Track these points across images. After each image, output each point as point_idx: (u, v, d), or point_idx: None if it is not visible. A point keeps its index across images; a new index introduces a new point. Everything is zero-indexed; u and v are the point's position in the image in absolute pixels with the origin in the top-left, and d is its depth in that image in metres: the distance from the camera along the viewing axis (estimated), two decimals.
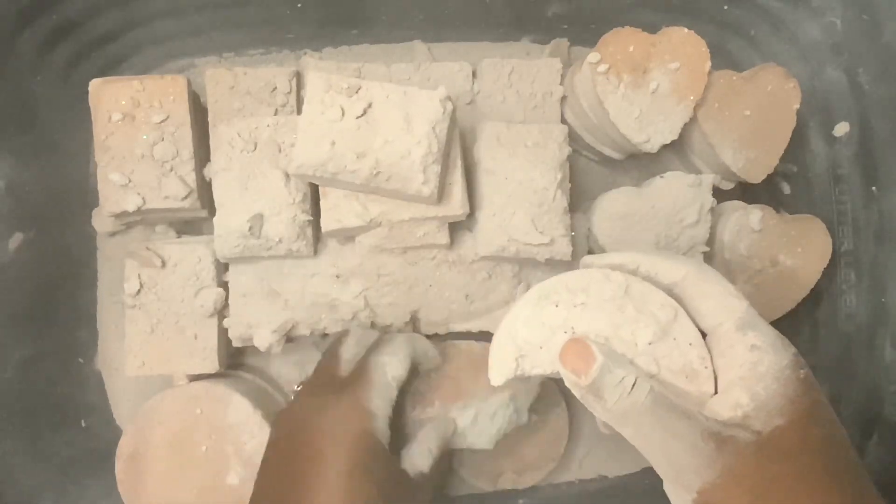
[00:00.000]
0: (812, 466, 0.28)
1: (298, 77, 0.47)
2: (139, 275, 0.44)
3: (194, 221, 0.49)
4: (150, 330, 0.44)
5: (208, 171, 0.45)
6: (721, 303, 0.31)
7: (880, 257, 0.46)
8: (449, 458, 0.47)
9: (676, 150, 0.49)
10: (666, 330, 0.31)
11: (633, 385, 0.28)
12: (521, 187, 0.43)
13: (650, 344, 0.31)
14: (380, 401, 0.37)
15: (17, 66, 0.43)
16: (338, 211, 0.41)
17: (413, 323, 0.46)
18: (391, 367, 0.39)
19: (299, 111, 0.45)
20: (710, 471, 0.27)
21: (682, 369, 0.31)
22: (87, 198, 0.48)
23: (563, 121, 0.49)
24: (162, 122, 0.43)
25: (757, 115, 0.47)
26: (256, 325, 0.44)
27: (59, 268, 0.47)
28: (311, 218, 0.43)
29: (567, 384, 0.30)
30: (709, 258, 0.48)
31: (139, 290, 0.44)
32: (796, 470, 0.28)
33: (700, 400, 0.30)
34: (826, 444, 0.29)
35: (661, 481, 0.30)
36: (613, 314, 0.31)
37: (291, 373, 0.50)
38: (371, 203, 0.41)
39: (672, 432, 0.28)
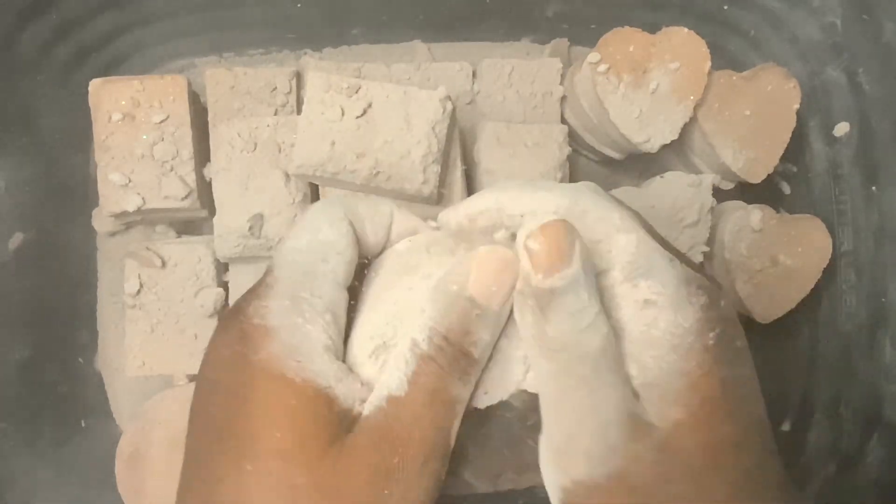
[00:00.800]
0: (717, 489, 0.21)
1: (298, 77, 0.47)
2: (139, 275, 0.44)
3: (194, 221, 0.49)
4: (151, 330, 0.44)
5: (208, 171, 0.45)
6: (607, 242, 0.24)
7: (880, 257, 0.46)
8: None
9: (676, 151, 0.49)
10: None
11: (590, 322, 0.22)
12: None
13: None
14: (287, 310, 0.23)
15: (17, 66, 0.43)
16: None
17: None
18: (301, 238, 0.25)
19: (299, 111, 0.45)
20: (601, 467, 0.21)
21: None
22: (87, 198, 0.48)
23: (563, 121, 0.49)
24: (162, 122, 0.43)
25: (757, 115, 0.47)
26: None
27: (59, 268, 0.47)
28: None
29: (511, 273, 0.23)
30: (709, 258, 0.48)
31: (139, 290, 0.44)
32: (698, 493, 0.21)
33: None
34: (737, 452, 0.22)
35: None
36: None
37: None
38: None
39: (594, 401, 0.21)
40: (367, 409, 0.22)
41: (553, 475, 0.23)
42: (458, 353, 0.22)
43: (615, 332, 0.23)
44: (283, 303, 0.23)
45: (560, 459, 0.22)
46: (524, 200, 0.25)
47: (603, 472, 0.21)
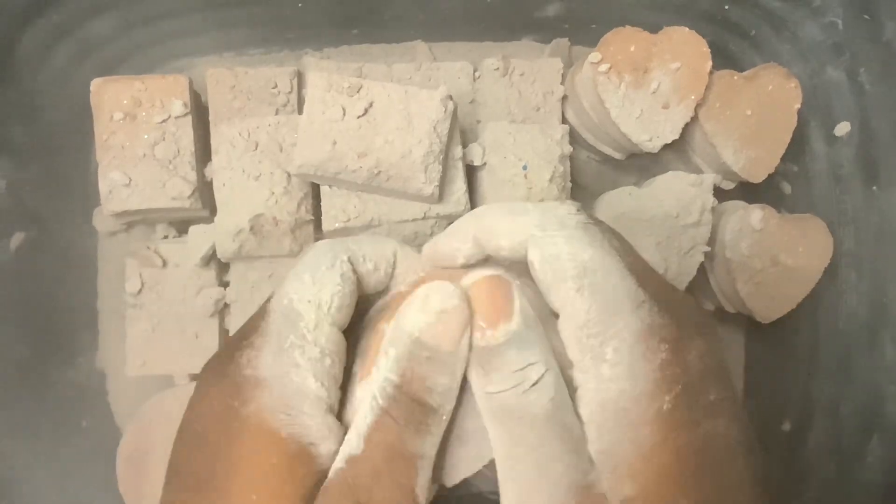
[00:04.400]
0: None
1: (299, 76, 0.47)
2: (140, 274, 0.44)
3: (195, 221, 0.49)
4: (151, 329, 0.44)
5: (209, 171, 0.45)
6: (564, 295, 0.21)
7: (881, 257, 0.46)
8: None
9: (677, 150, 0.49)
10: None
11: (537, 381, 0.20)
12: (521, 187, 0.43)
13: None
14: (280, 359, 0.22)
15: (18, 66, 0.43)
16: (339, 210, 0.41)
17: None
18: (300, 289, 0.23)
19: (300, 111, 0.45)
20: None
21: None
22: (88, 197, 0.48)
23: (564, 120, 0.49)
24: (163, 121, 0.43)
25: (758, 115, 0.47)
26: None
27: (59, 267, 0.47)
28: (313, 218, 0.42)
29: (459, 309, 0.21)
30: (710, 258, 0.48)
31: (140, 290, 0.44)
32: None
33: None
34: None
35: None
36: None
37: None
38: (372, 203, 0.41)
39: (542, 471, 0.20)
40: (331, 471, 0.21)
41: None
42: (411, 403, 0.21)
43: (572, 390, 0.21)
44: (276, 352, 0.22)
45: None
46: (500, 229, 0.23)
47: None
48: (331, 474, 0.21)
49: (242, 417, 0.21)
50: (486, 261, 0.25)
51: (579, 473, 0.20)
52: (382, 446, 0.21)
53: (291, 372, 0.22)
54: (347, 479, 0.21)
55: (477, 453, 0.23)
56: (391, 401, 0.21)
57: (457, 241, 0.25)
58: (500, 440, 0.21)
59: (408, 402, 0.21)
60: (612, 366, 0.20)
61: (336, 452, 0.21)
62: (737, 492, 0.20)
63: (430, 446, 0.22)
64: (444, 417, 0.22)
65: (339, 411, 0.23)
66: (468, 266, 0.25)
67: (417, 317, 0.21)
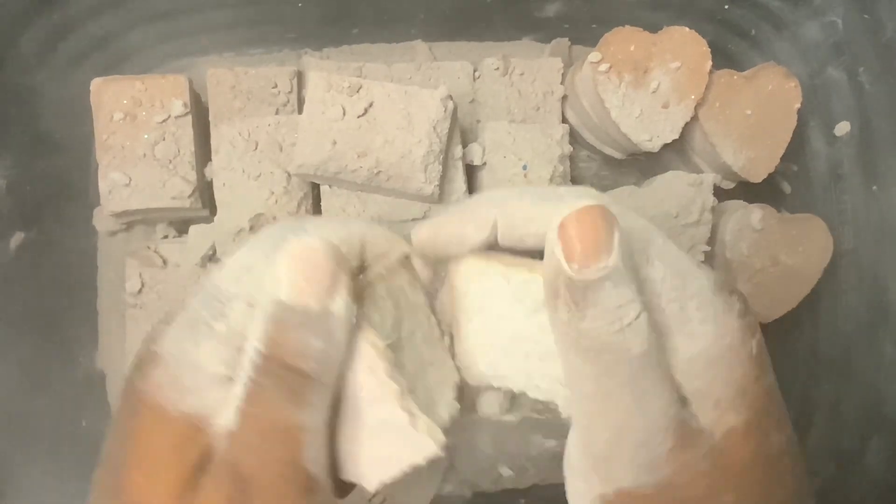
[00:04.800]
0: (774, 498, 0.20)
1: (299, 76, 0.47)
2: (140, 274, 0.44)
3: (195, 221, 0.49)
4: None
5: (209, 171, 0.45)
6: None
7: (880, 257, 0.46)
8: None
9: (677, 150, 0.49)
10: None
11: (633, 320, 0.19)
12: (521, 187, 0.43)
13: None
14: (183, 335, 0.21)
15: (18, 66, 0.43)
16: (339, 210, 0.41)
17: None
18: (230, 267, 0.22)
19: (300, 110, 0.45)
20: (648, 475, 0.20)
21: None
22: (89, 197, 0.48)
23: (564, 120, 0.49)
24: (163, 121, 0.43)
25: (758, 115, 0.47)
26: None
27: (59, 267, 0.47)
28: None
29: (324, 263, 0.20)
30: (710, 257, 0.48)
31: (140, 290, 0.44)
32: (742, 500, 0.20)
33: None
34: (789, 461, 0.21)
35: None
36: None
37: None
38: (372, 202, 0.41)
39: (640, 406, 0.19)
40: (217, 450, 0.20)
41: (588, 485, 0.21)
42: (283, 371, 0.19)
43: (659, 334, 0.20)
44: (184, 328, 0.21)
45: (601, 467, 0.20)
46: (533, 215, 0.22)
47: (650, 481, 0.20)
48: (216, 451, 0.20)
49: (139, 393, 0.20)
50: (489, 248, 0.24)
51: (676, 408, 0.20)
52: (257, 420, 0.19)
53: (189, 349, 0.20)
54: (227, 458, 0.19)
55: (395, 454, 0.21)
56: (260, 371, 0.19)
57: (471, 227, 0.23)
58: (590, 376, 0.20)
59: (278, 371, 0.19)
60: (701, 322, 0.20)
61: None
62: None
63: (313, 418, 0.20)
64: (326, 386, 0.20)
65: None
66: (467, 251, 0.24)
67: (279, 277, 0.19)
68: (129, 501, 0.19)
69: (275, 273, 0.20)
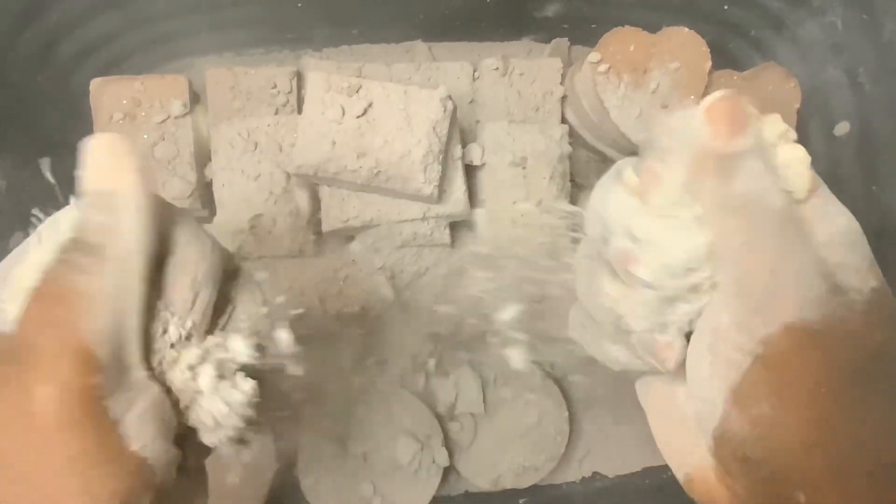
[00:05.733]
0: None
1: (299, 77, 0.47)
2: None
3: None
4: None
5: (209, 171, 0.45)
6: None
7: (880, 257, 0.46)
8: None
9: None
10: None
11: (770, 187, 0.22)
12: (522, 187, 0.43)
13: None
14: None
15: (18, 66, 0.43)
16: (338, 210, 0.41)
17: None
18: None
19: (300, 111, 0.45)
20: (815, 310, 0.21)
21: None
22: None
23: (564, 120, 0.49)
24: (163, 121, 0.43)
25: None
26: None
27: None
28: (312, 218, 0.43)
29: (687, 142, 0.24)
30: None
31: None
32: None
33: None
34: None
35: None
36: None
37: None
38: (371, 203, 0.41)
39: (791, 249, 0.22)
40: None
41: (749, 334, 0.22)
42: (73, 248, 0.21)
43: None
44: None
45: (763, 308, 0.21)
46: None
47: (818, 315, 0.21)
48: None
49: None
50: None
51: (822, 264, 0.22)
52: (42, 294, 0.21)
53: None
54: (10, 338, 0.20)
55: None
56: (59, 252, 0.21)
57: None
58: (739, 228, 0.22)
59: (70, 248, 0.21)
60: (832, 207, 0.24)
61: None
62: None
63: (91, 285, 0.21)
64: (113, 260, 0.21)
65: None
66: None
67: (85, 168, 0.22)
68: None
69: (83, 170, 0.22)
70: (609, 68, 0.45)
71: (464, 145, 0.42)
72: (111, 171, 0.22)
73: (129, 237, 0.22)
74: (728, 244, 0.22)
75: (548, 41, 0.53)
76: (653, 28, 0.46)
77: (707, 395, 0.23)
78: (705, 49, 0.45)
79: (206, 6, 0.47)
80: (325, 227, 0.41)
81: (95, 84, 0.43)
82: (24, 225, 0.44)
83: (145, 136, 0.43)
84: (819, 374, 0.21)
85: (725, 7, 0.49)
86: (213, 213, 0.44)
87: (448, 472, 0.47)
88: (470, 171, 0.44)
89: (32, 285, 0.21)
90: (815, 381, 0.21)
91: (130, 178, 0.22)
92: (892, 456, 0.22)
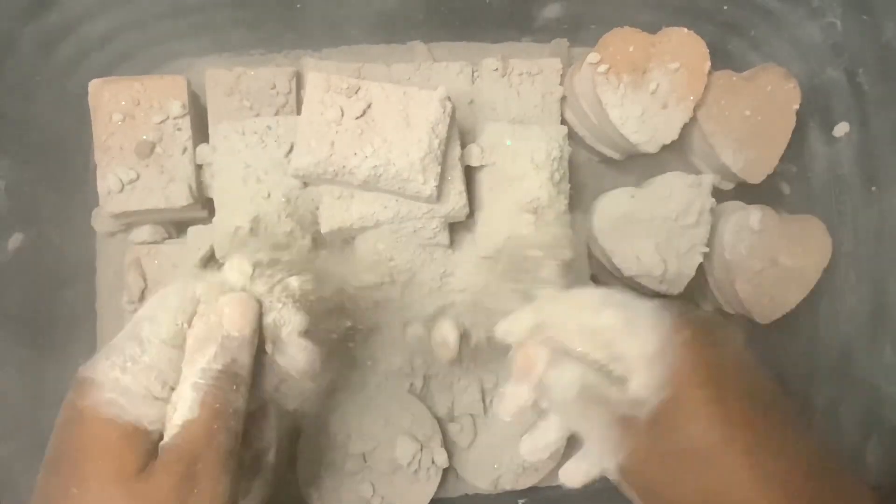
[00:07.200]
0: (698, 436, 0.28)
1: (298, 77, 0.47)
2: (140, 275, 0.44)
3: (194, 221, 0.49)
4: None
5: (208, 172, 0.45)
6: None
7: (880, 257, 0.46)
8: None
9: (676, 151, 0.49)
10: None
11: (567, 381, 0.31)
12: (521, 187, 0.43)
13: None
14: (109, 362, 0.28)
15: (17, 66, 0.43)
16: (337, 211, 0.41)
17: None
18: (146, 313, 0.30)
19: (299, 111, 0.45)
20: (616, 455, 0.30)
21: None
22: (87, 198, 0.48)
23: (563, 121, 0.49)
24: (162, 122, 0.43)
25: (757, 116, 0.47)
26: None
27: (58, 268, 0.47)
28: (311, 218, 0.42)
29: (250, 306, 0.31)
30: (709, 258, 0.48)
31: (142, 292, 0.44)
32: (684, 442, 0.28)
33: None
34: (714, 404, 0.28)
35: None
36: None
37: None
38: (371, 203, 0.41)
39: (588, 420, 0.31)
40: (166, 437, 0.28)
41: (608, 462, 0.31)
42: (229, 377, 0.29)
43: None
44: (109, 361, 0.28)
45: (603, 453, 0.32)
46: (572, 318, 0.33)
47: (621, 454, 0.30)
48: (168, 437, 0.27)
49: (82, 409, 0.27)
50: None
51: (609, 413, 0.30)
52: (212, 407, 0.28)
53: (118, 377, 0.28)
54: (178, 442, 0.27)
55: None
56: (216, 378, 0.29)
57: (526, 324, 0.35)
58: (565, 420, 0.35)
59: (227, 377, 0.29)
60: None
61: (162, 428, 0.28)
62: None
63: (243, 402, 0.30)
64: (248, 380, 0.30)
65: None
66: None
67: (226, 318, 0.30)
68: (94, 486, 0.26)
69: (218, 314, 0.30)
70: (608, 69, 0.45)
71: (463, 146, 0.42)
72: (243, 321, 0.30)
73: (251, 367, 0.30)
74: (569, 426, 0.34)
75: (547, 41, 0.53)
76: (652, 28, 0.46)
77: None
78: (705, 49, 0.45)
79: (205, 7, 0.47)
80: (324, 228, 0.41)
81: (95, 85, 0.43)
82: (23, 225, 0.44)
83: (145, 137, 0.43)
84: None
85: (725, 7, 0.49)
86: (211, 213, 0.44)
87: (447, 473, 0.47)
88: (469, 171, 0.44)
89: (192, 398, 0.28)
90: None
91: (253, 327, 0.31)
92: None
